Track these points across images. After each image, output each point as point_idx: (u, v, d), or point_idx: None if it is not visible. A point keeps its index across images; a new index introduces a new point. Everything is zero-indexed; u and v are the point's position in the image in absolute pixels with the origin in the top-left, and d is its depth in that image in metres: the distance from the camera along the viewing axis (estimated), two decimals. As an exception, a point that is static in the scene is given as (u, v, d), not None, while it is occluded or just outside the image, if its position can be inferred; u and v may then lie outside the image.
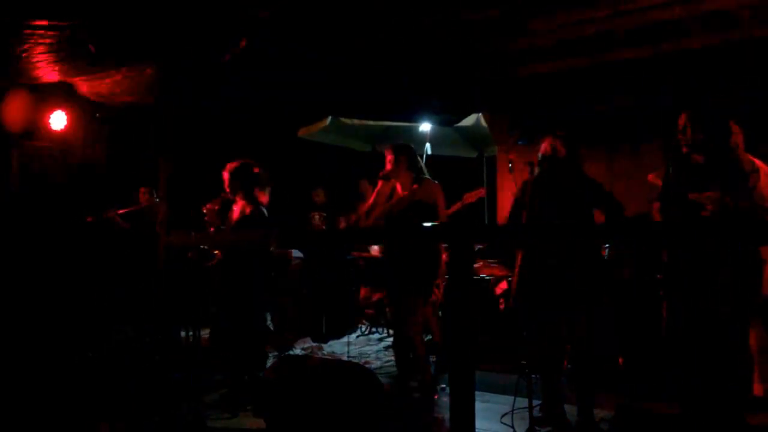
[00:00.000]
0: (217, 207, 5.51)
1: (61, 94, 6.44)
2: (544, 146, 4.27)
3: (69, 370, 5.59)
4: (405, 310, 4.88)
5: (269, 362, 5.54)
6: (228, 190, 5.25)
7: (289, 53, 5.20)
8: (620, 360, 5.15)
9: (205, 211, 5.67)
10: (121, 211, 7.10)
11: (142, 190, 7.36)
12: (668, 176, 3.71)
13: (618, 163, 6.42)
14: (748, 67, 5.18)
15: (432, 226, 4.84)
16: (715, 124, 3.84)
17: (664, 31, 4.79)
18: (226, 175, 5.25)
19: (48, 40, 4.66)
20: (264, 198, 5.75)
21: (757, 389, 4.33)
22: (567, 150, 4.24)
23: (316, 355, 6.58)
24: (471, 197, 5.68)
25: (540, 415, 4.26)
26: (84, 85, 6.19)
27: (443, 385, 5.11)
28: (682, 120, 3.80)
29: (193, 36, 4.70)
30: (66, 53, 5.01)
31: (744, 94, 5.21)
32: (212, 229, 5.51)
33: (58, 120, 6.59)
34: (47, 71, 5.52)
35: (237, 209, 5.24)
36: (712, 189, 3.70)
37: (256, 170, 5.32)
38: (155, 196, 6.94)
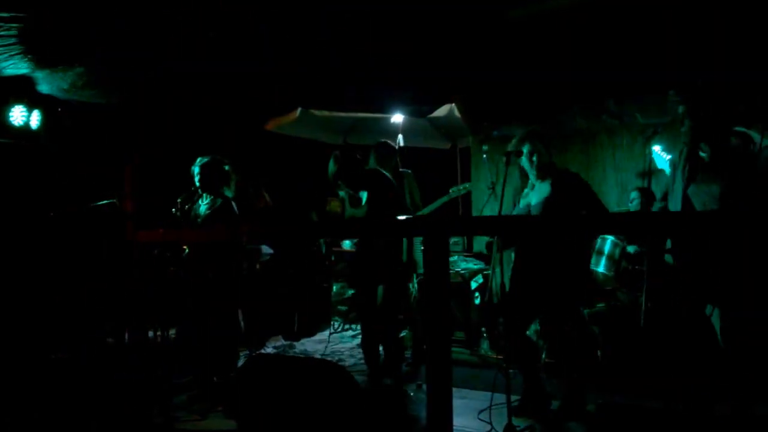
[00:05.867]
0: (186, 203, 5.38)
1: (23, 89, 6.24)
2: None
3: (32, 372, 5.41)
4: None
5: (240, 362, 5.41)
6: (199, 185, 5.19)
7: (256, 43, 5.06)
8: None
9: (175, 208, 5.52)
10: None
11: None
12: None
13: (594, 152, 6.38)
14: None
15: (408, 219, 4.74)
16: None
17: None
18: (196, 171, 5.19)
19: (10, 31, 4.50)
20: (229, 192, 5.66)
21: None
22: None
23: (288, 354, 6.46)
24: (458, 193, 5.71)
25: (522, 402, 4.23)
26: (47, 80, 5.99)
27: (419, 382, 5.02)
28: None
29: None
30: (28, 45, 4.85)
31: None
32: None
33: (20, 115, 6.41)
34: (11, 64, 5.34)
35: (207, 204, 5.18)
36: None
37: (226, 165, 5.25)
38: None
